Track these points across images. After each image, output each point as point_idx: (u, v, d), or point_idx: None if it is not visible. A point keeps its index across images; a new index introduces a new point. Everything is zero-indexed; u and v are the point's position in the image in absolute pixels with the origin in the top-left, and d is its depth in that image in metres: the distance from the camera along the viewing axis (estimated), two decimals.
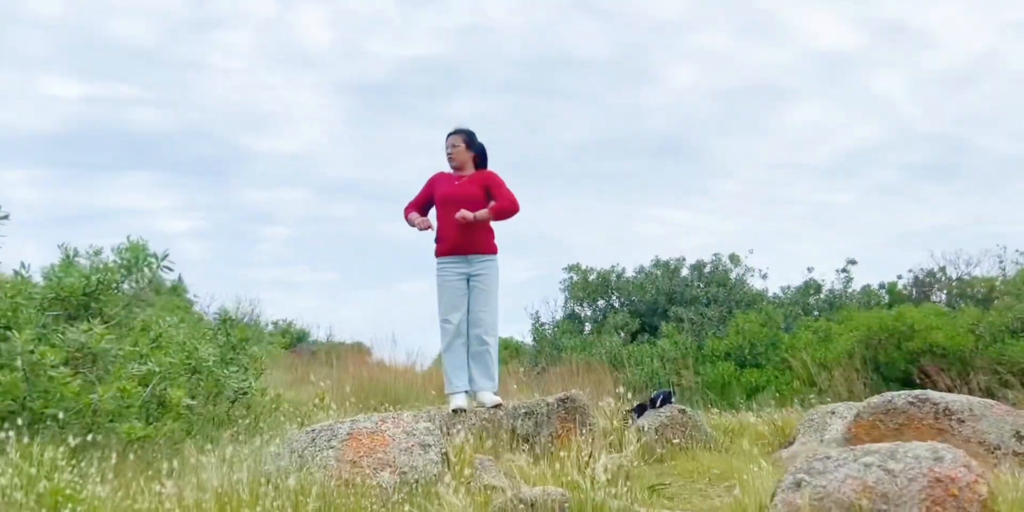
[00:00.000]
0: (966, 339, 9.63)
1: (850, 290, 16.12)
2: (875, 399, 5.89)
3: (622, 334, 14.31)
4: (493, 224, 5.62)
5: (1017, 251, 15.78)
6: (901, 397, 5.80)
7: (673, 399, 6.91)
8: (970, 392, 9.21)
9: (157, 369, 4.55)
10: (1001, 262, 15.71)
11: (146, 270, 5.31)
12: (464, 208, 5.46)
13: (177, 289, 25.41)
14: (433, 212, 5.74)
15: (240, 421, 5.16)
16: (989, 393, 9.03)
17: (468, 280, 5.55)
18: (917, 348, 9.77)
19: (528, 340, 16.27)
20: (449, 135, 5.76)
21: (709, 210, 26.44)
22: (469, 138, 5.75)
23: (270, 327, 34.46)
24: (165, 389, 4.52)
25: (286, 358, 23.77)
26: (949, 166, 24.73)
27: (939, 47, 24.67)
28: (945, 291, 15.53)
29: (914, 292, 15.80)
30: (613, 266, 15.94)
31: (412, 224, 5.64)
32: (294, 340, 29.20)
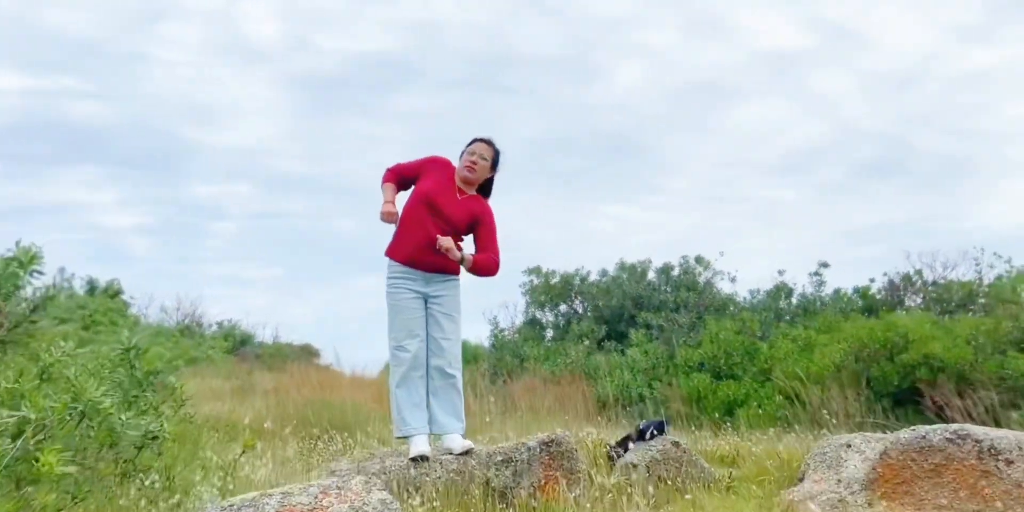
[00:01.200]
0: (964, 351, 8.89)
1: (822, 294, 15.44)
2: (905, 434, 5.03)
3: (587, 342, 13.43)
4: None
5: (995, 254, 15.25)
6: (937, 433, 4.94)
7: (666, 429, 6.02)
8: (975, 414, 8.48)
9: (32, 416, 3.52)
10: (978, 265, 15.15)
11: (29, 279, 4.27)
12: (446, 230, 4.57)
13: (110, 290, 24.06)
14: (404, 201, 4.77)
15: (145, 475, 4.13)
16: (994, 414, 8.29)
17: (425, 301, 4.61)
18: (912, 361, 9.01)
19: (486, 343, 15.36)
20: (478, 141, 4.79)
21: (660, 207, 26.92)
22: (496, 156, 4.82)
23: (214, 327, 33.24)
24: (42, 442, 3.50)
25: (229, 363, 22.58)
26: (892, 164, 25.35)
27: (881, 48, 25.32)
28: (921, 295, 14.89)
29: (889, 296, 15.14)
30: (577, 269, 15.07)
31: (384, 199, 4.67)
32: (238, 343, 27.95)
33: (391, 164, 4.82)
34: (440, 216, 4.57)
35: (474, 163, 4.66)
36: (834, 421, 8.37)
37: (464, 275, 4.63)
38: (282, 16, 29.39)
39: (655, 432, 5.90)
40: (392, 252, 4.64)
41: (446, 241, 4.48)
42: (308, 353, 35.94)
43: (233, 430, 9.57)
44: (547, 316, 15.12)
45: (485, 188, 4.85)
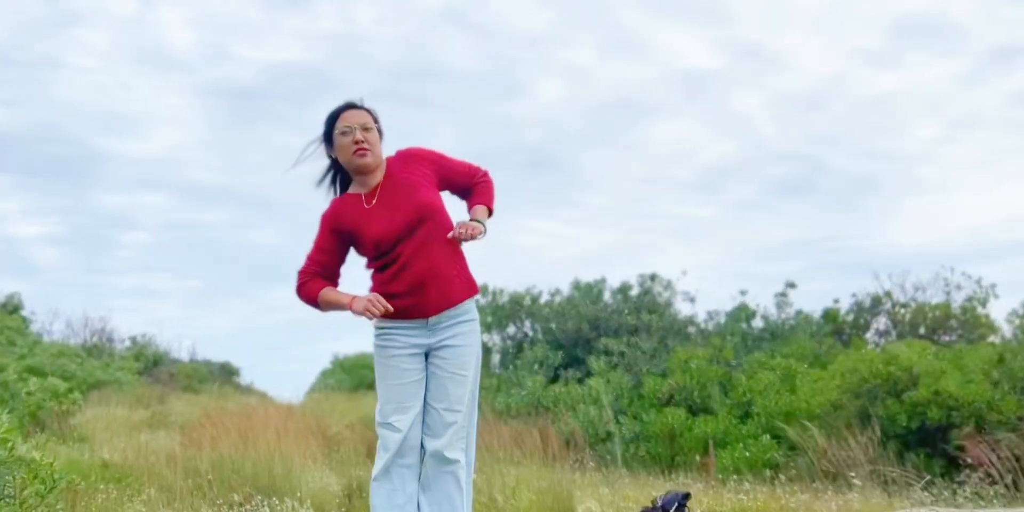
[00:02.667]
0: (982, 389, 7.89)
1: (784, 316, 14.49)
2: None
3: (542, 369, 12.18)
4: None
5: (963, 273, 14.50)
6: None
7: (688, 503, 4.82)
8: (994, 459, 7.47)
9: None
10: (947, 286, 14.37)
11: None
12: (433, 232, 3.24)
13: (9, 305, 21.97)
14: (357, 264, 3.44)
15: None
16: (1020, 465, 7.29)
17: (426, 356, 3.28)
18: (922, 399, 7.97)
19: None
20: (346, 109, 3.38)
21: (579, 222, 27.43)
22: (377, 117, 3.44)
23: (127, 343, 31.13)
24: None
25: (139, 386, 20.67)
26: (803, 183, 26.70)
27: (792, 69, 26.84)
28: (890, 319, 14.03)
29: (857, 319, 14.26)
30: (528, 288, 13.83)
31: (339, 302, 3.28)
32: (150, 363, 25.99)
33: (299, 266, 3.40)
34: (406, 239, 3.23)
35: (361, 142, 3.26)
36: (852, 474, 7.27)
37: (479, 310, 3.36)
38: (199, 24, 28.27)
39: (679, 508, 4.68)
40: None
41: (464, 229, 3.22)
42: (227, 372, 33.99)
43: (135, 482, 8.07)
44: (494, 339, 13.83)
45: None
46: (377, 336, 3.30)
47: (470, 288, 3.32)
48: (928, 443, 8.09)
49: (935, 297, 14.37)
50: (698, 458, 9.27)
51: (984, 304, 13.94)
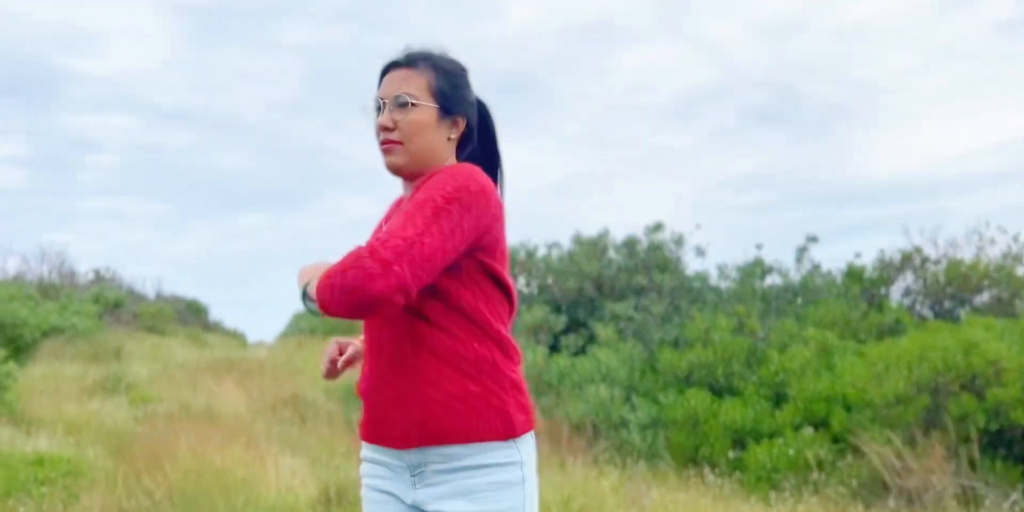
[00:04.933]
0: None
1: (804, 273, 13.20)
2: None
3: (542, 337, 10.86)
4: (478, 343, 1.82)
5: (999, 227, 13.25)
6: None
7: None
8: None
9: None
10: (980, 241, 13.11)
11: None
12: (423, 307, 1.79)
13: None
14: None
15: None
16: None
17: None
18: (1010, 398, 6.73)
19: None
20: (387, 70, 1.97)
21: (552, 150, 27.11)
22: (443, 74, 1.95)
23: (90, 277, 29.54)
24: None
25: (98, 331, 19.14)
26: (779, 111, 26.05)
27: None
28: (922, 279, 12.79)
29: (882, 275, 13.00)
30: (523, 241, 12.40)
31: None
32: (111, 305, 24.48)
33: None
34: None
35: (388, 130, 1.91)
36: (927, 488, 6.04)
37: (515, 451, 1.78)
38: None
39: None
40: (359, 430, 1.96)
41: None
42: (195, 310, 32.60)
43: (72, 483, 6.76)
44: None
45: (470, 147, 2.03)
46: (362, 473, 1.98)
47: (499, 422, 1.81)
48: (1010, 449, 6.90)
49: (968, 254, 13.15)
50: (729, 454, 8.06)
51: (1022, 261, 12.76)
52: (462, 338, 1.81)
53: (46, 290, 23.08)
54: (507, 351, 1.87)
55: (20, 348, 14.59)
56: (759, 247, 13.14)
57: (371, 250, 1.61)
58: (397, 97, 1.91)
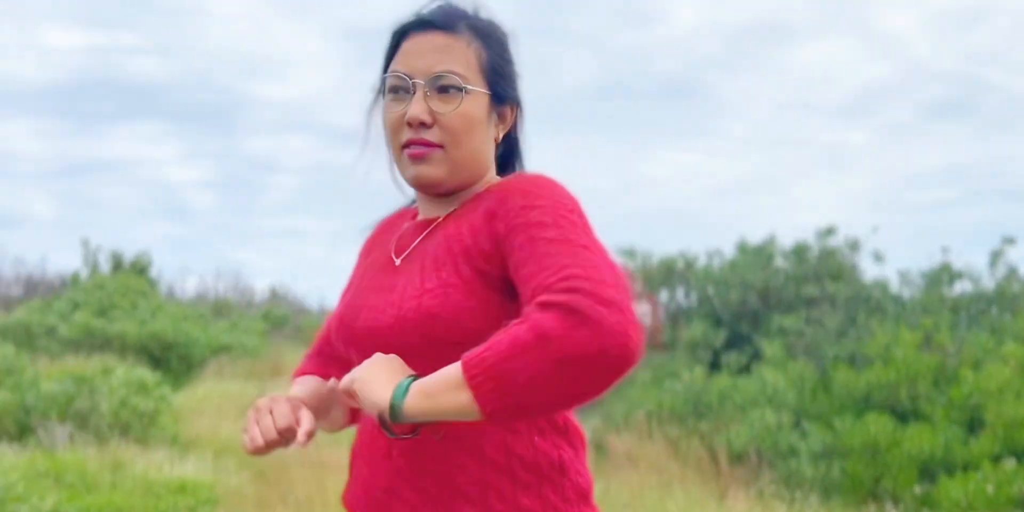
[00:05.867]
0: None
1: (999, 279, 11.85)
2: None
3: (701, 353, 10.12)
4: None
5: None
6: None
7: None
8: None
9: None
10: None
11: None
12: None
13: (137, 266, 21.34)
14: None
15: None
16: None
17: None
18: None
19: None
20: (411, 31, 1.33)
21: (718, 152, 26.51)
22: (494, 44, 1.35)
23: (266, 295, 30.77)
24: None
25: (263, 349, 19.59)
26: (962, 104, 24.43)
27: None
28: None
29: None
30: (681, 251, 11.67)
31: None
32: (278, 321, 25.22)
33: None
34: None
35: (424, 125, 1.29)
36: None
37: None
38: None
39: None
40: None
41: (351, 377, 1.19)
42: None
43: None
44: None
45: (512, 159, 1.44)
46: None
47: None
48: None
49: None
50: (916, 488, 7.11)
51: None
52: (518, 429, 1.23)
53: (220, 308, 24.03)
54: (575, 444, 1.28)
55: (190, 367, 15.04)
56: (946, 250, 11.90)
57: (583, 291, 1.06)
58: (439, 77, 1.30)
